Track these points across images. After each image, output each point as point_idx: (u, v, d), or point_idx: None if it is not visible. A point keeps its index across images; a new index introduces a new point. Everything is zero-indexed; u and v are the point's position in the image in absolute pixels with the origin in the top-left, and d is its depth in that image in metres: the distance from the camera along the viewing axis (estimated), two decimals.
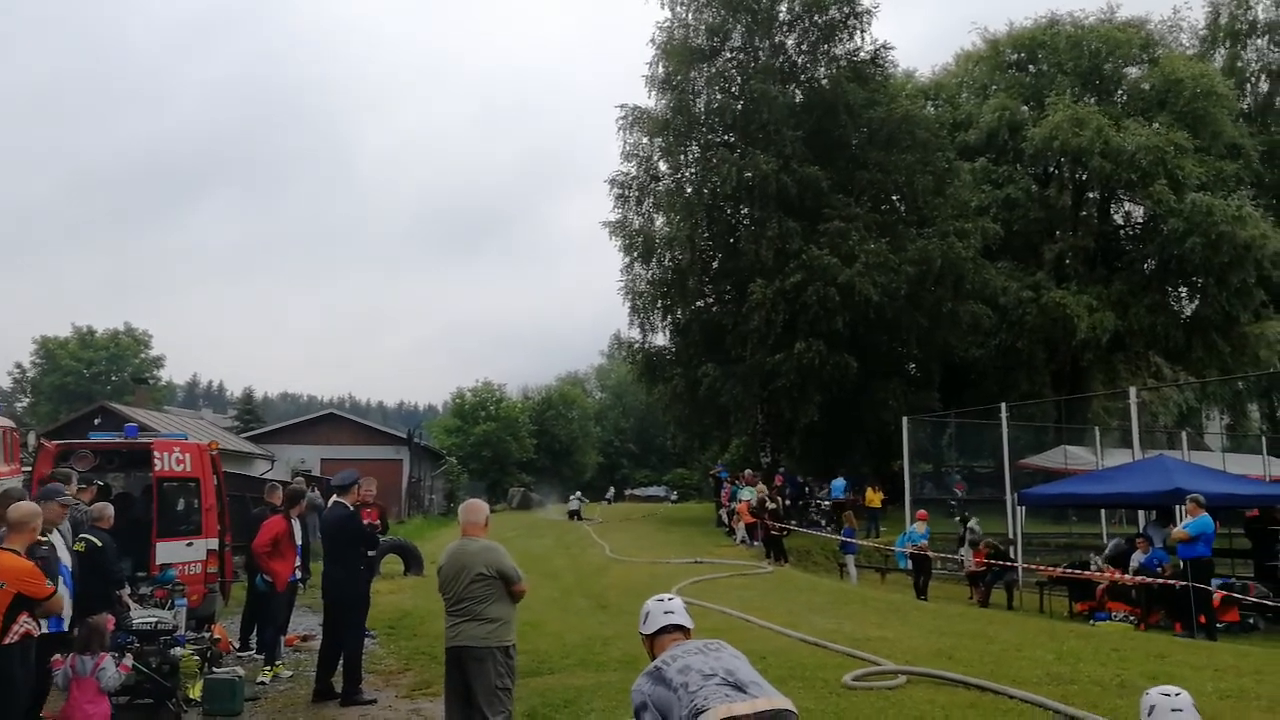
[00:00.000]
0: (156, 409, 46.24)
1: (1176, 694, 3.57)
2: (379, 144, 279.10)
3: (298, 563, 10.33)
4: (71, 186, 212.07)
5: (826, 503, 27.26)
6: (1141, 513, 19.32)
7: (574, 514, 34.10)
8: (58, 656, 6.65)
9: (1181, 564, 14.29)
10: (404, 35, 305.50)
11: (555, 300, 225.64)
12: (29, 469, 13.57)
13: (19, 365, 70.17)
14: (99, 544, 8.78)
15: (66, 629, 7.00)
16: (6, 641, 5.50)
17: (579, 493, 39.91)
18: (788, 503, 26.68)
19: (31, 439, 15.66)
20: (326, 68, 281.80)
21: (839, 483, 27.60)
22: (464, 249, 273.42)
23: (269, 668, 9.79)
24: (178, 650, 8.53)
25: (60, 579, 6.93)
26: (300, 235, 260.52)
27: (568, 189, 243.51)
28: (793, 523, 24.39)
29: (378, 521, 11.44)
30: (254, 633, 11.29)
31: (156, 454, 11.64)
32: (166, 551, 11.27)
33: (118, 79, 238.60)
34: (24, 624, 5.63)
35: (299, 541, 10.36)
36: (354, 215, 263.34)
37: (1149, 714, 3.54)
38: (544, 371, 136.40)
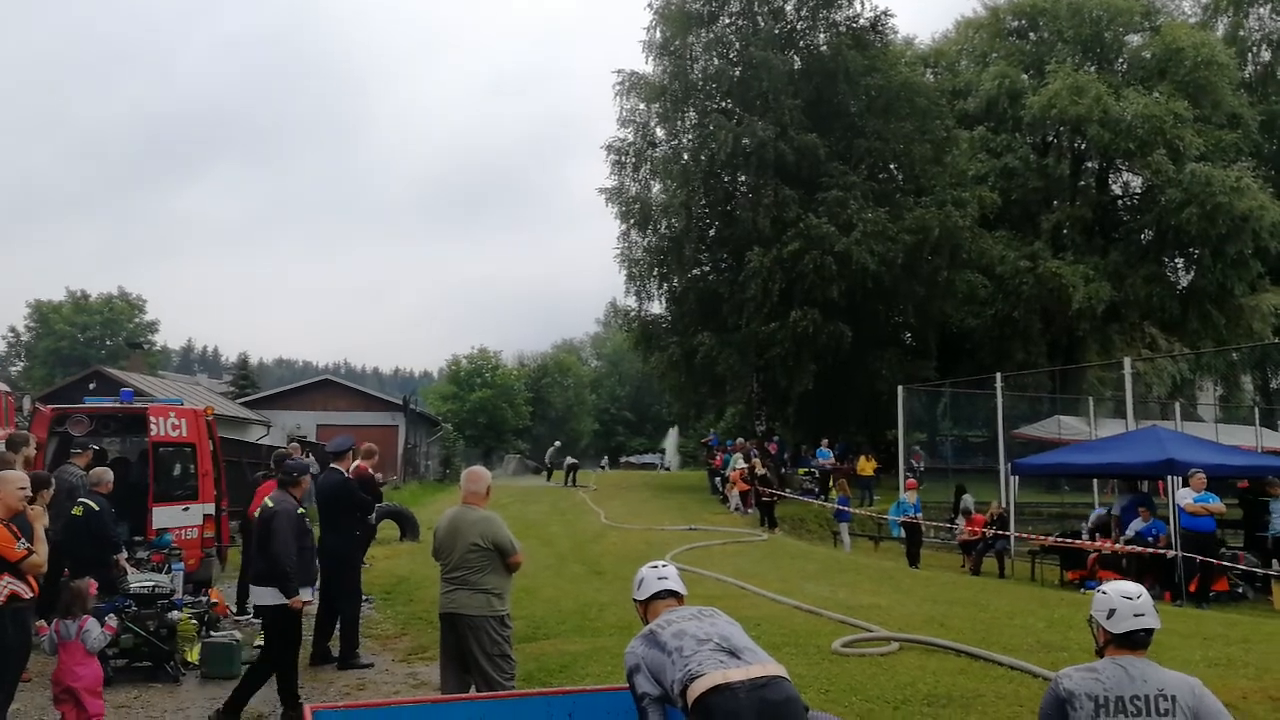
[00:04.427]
0: (152, 374, 46.10)
1: (1138, 595, 3.48)
2: (381, 111, 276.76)
3: None
4: (69, 151, 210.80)
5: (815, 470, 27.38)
6: (1146, 483, 19.36)
7: (570, 470, 33.64)
8: (41, 623, 6.70)
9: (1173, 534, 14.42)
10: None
11: (552, 267, 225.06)
12: None
13: (13, 329, 70.01)
14: (96, 508, 8.83)
15: None
16: None
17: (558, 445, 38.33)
18: (783, 470, 26.82)
19: (26, 404, 15.60)
20: (331, 34, 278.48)
21: (824, 451, 27.67)
22: (462, 216, 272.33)
23: None
24: (175, 614, 8.59)
25: None
26: (299, 201, 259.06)
27: (567, 156, 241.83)
28: (787, 490, 24.54)
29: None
30: (250, 597, 11.35)
31: (152, 419, 11.64)
32: (163, 516, 11.30)
33: (121, 43, 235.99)
34: (7, 585, 5.59)
35: None
36: (354, 182, 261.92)
37: (1108, 617, 3.46)
38: (540, 339, 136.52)
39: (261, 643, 9.54)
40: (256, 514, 7.77)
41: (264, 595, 7.37)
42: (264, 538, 7.45)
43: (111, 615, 7.53)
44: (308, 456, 16.18)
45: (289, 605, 7.25)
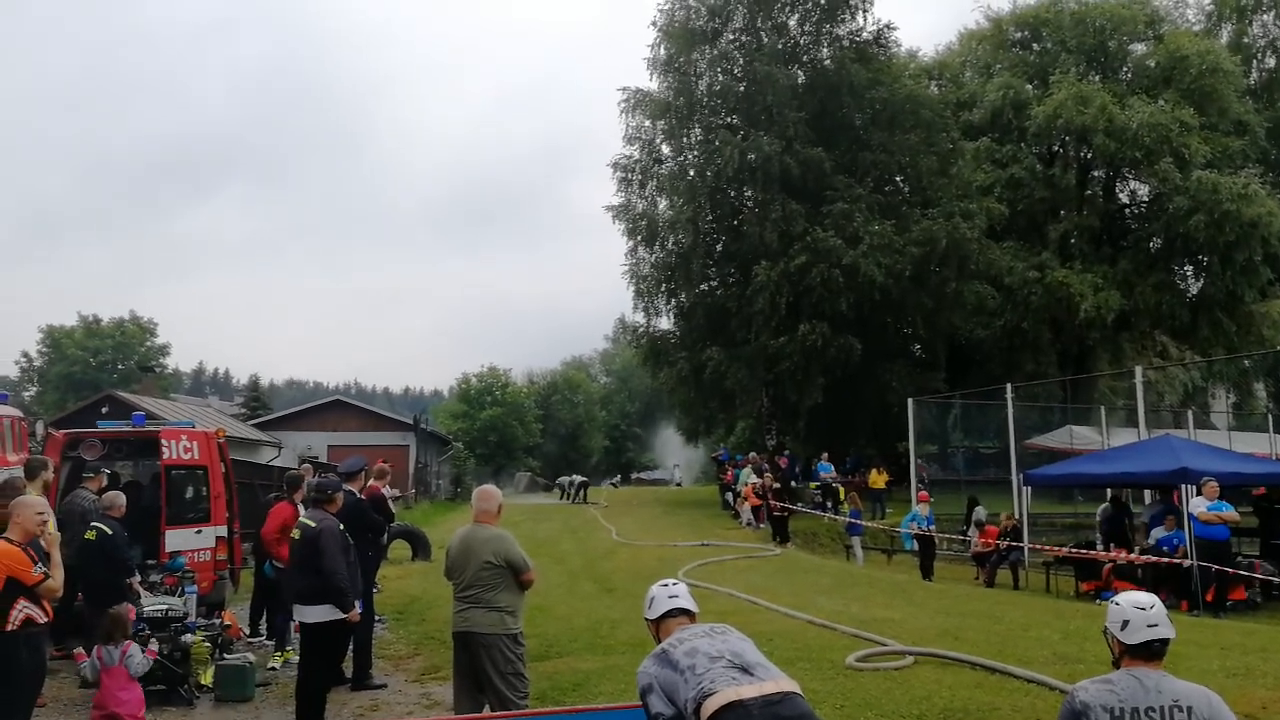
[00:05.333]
0: (163, 397, 46.25)
1: (1151, 605, 3.48)
2: (390, 131, 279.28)
3: None
4: (78, 176, 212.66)
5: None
6: (1176, 491, 19.19)
7: (580, 488, 34.06)
8: (79, 650, 6.71)
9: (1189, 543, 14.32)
10: (419, 20, 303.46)
11: (561, 285, 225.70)
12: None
13: (26, 355, 70.33)
14: (109, 532, 8.85)
15: None
16: (8, 629, 5.52)
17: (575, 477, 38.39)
18: (794, 483, 26.70)
19: (39, 428, 15.68)
20: (341, 55, 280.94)
21: (825, 465, 27.52)
22: (470, 234, 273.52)
23: (279, 653, 9.86)
24: (189, 637, 8.61)
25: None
26: (307, 222, 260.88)
27: (575, 173, 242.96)
28: (799, 504, 24.44)
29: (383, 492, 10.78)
30: (264, 619, 11.36)
31: (164, 442, 11.65)
32: (176, 539, 11.30)
33: (134, 68, 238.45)
34: (23, 609, 5.59)
35: None
36: (362, 202, 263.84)
37: (1122, 628, 3.46)
38: (549, 356, 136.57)
39: (276, 665, 9.61)
40: (297, 533, 7.70)
41: (313, 613, 7.32)
42: (312, 556, 7.36)
43: (153, 642, 7.55)
44: (319, 476, 16.24)
45: (348, 619, 7.33)
